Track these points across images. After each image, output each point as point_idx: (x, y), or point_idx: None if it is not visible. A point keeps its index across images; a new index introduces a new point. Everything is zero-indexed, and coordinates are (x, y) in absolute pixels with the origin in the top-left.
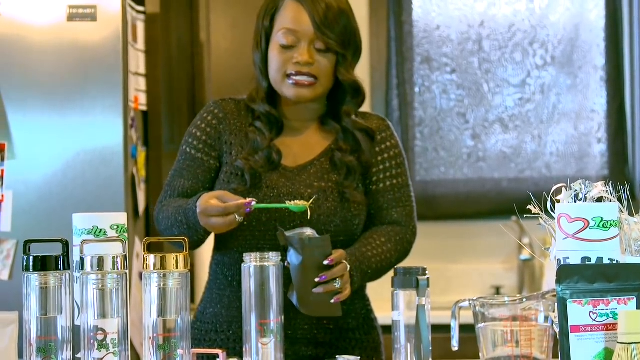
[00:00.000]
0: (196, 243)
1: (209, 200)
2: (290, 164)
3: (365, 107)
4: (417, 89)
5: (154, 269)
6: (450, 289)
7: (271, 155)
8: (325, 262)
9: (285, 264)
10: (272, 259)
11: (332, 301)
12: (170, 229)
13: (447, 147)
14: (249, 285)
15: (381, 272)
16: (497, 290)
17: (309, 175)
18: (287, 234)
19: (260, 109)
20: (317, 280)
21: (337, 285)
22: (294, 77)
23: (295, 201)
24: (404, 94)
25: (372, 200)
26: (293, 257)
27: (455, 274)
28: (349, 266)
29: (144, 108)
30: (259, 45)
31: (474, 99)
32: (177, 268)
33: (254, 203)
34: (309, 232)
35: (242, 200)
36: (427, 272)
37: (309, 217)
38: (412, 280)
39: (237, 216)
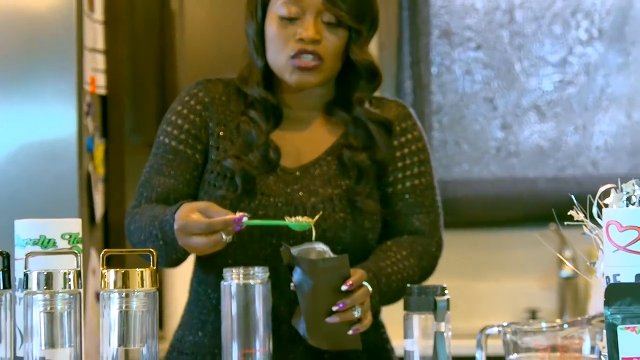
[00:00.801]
0: (175, 262)
1: (190, 214)
2: (290, 164)
3: None
4: (434, 69)
5: (115, 287)
6: (475, 312)
7: (268, 153)
8: (344, 288)
9: (292, 287)
10: (258, 275)
11: (350, 332)
12: (144, 243)
13: (472, 140)
14: (229, 307)
15: (401, 294)
16: (533, 314)
17: (312, 178)
18: (294, 250)
19: (254, 94)
20: (334, 308)
21: (356, 313)
22: (297, 60)
23: (297, 217)
24: (419, 74)
25: (389, 204)
26: (301, 280)
27: (482, 294)
28: (370, 289)
29: (102, 91)
30: (254, 15)
31: (504, 81)
32: (142, 286)
33: (245, 219)
34: (319, 247)
35: (230, 216)
36: (446, 291)
37: (313, 238)
38: (428, 301)
39: (224, 235)
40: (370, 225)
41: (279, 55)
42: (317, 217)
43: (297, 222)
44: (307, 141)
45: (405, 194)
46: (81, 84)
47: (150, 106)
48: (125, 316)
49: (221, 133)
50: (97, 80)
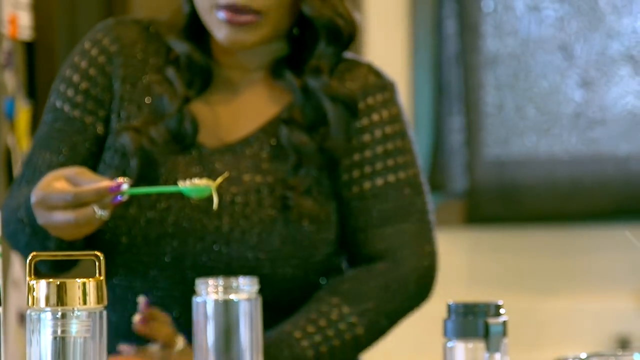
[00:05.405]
0: (60, 265)
1: (52, 182)
2: (212, 141)
3: (400, 36)
4: (488, 3)
5: (47, 304)
6: (543, 339)
7: (180, 126)
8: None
9: None
10: (244, 288)
11: None
12: (14, 236)
13: (539, 103)
14: (204, 334)
15: None
16: (623, 343)
17: (237, 161)
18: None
19: (178, 48)
20: None
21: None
22: (225, 11)
23: (194, 180)
24: (465, 11)
25: (348, 214)
26: None
27: (552, 315)
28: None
29: (27, 36)
30: None
31: (585, 21)
32: (85, 303)
33: (125, 186)
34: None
35: (106, 183)
36: (503, 310)
37: (215, 206)
38: (477, 324)
39: (96, 209)
40: (313, 228)
41: (202, 2)
42: (219, 179)
43: (193, 186)
44: (239, 112)
45: (368, 198)
46: None
47: None
48: (61, 344)
49: (126, 95)
50: (20, 20)
